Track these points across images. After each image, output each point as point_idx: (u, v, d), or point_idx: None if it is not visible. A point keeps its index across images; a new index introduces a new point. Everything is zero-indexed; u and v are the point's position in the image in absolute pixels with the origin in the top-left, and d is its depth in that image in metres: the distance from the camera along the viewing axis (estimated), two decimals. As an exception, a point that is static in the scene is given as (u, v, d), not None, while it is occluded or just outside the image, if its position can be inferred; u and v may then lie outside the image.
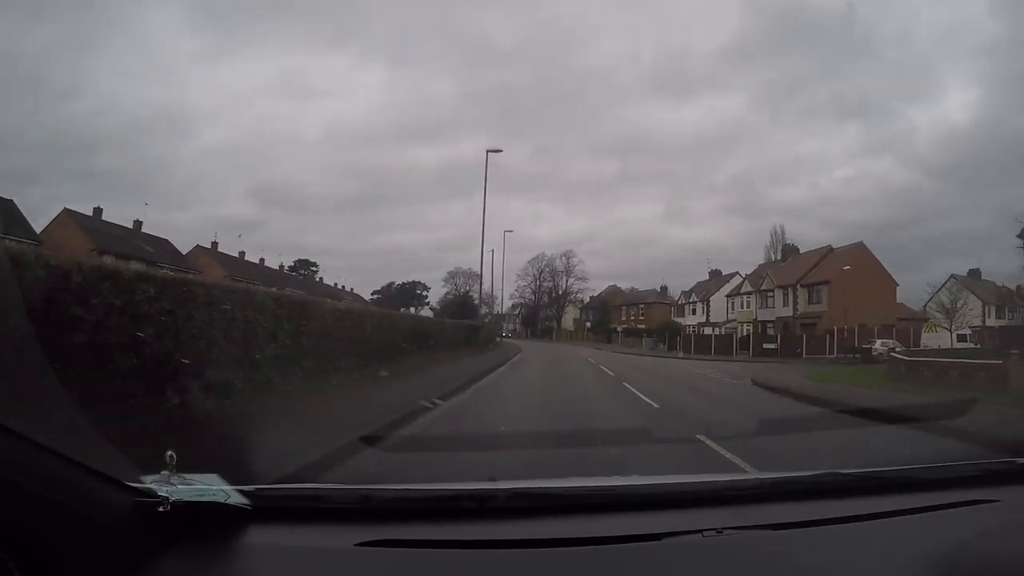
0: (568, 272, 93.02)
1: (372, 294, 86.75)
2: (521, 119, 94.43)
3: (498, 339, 52.71)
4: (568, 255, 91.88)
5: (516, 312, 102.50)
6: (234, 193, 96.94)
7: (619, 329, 75.41)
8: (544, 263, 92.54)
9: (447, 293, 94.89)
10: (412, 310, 75.76)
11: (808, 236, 57.20)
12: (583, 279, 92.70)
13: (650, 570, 1.53)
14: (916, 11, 77.49)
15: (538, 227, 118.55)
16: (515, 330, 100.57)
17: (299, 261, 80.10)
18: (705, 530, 1.62)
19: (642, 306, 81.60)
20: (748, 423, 7.95)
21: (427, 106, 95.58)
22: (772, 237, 65.99)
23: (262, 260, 58.82)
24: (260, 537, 1.52)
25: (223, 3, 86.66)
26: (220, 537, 1.48)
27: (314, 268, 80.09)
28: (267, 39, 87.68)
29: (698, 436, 6.23)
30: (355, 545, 1.50)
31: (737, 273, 65.34)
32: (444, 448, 5.71)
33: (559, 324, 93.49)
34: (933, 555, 1.56)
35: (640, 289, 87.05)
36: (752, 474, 2.18)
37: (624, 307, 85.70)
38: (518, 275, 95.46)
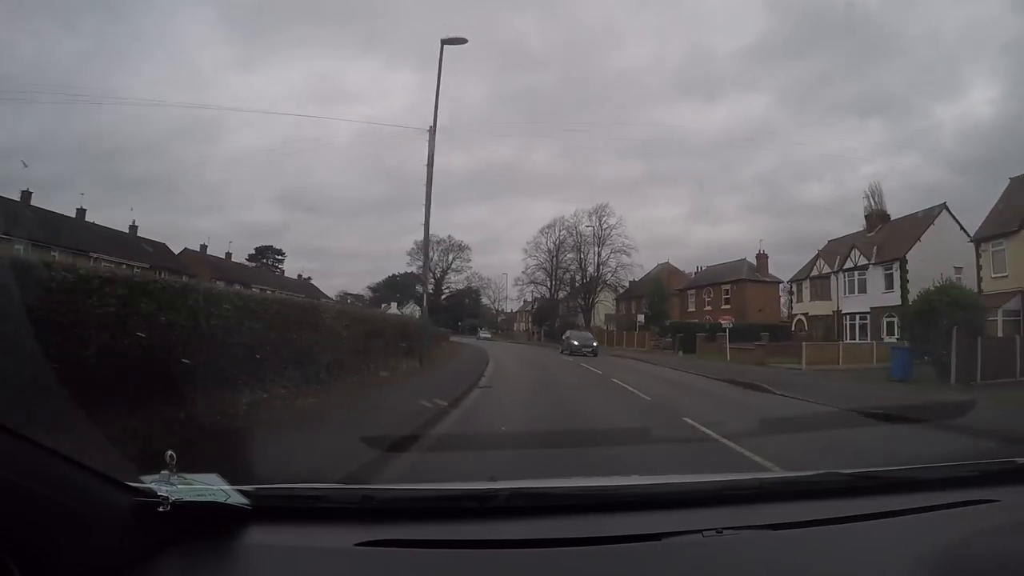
0: (601, 240, 61.48)
1: (369, 288, 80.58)
2: (547, 121, 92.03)
3: (442, 340, 32.32)
4: (601, 213, 60.59)
5: (530, 308, 77.36)
6: (260, 198, 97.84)
7: (666, 323, 47.74)
8: (563, 231, 63.72)
9: (392, 275, 76.76)
10: (394, 306, 68.38)
11: (835, 231, 47.15)
12: (624, 251, 60.43)
13: (650, 570, 1.53)
14: (939, 8, 75.63)
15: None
16: (528, 331, 76.84)
17: (261, 249, 72.06)
18: (705, 530, 1.62)
19: (728, 287, 49.01)
20: None
21: (454, 109, 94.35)
22: (869, 199, 42.46)
23: (204, 247, 54.03)
24: (260, 537, 1.52)
25: (252, 12, 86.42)
26: (220, 537, 1.48)
27: (279, 256, 74.44)
28: (296, 45, 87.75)
29: None
30: (355, 545, 1.50)
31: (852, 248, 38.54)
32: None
33: (589, 319, 62.20)
34: (933, 555, 1.56)
35: (715, 264, 54.24)
36: (752, 474, 2.18)
37: (694, 291, 54.38)
38: (526, 251, 68.46)
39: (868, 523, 1.75)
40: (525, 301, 78.82)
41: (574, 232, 64.02)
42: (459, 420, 8.95)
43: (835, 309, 39.86)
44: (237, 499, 1.54)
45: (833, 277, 40.66)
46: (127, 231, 43.71)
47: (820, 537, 1.70)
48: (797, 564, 1.59)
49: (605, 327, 61.15)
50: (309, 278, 71.92)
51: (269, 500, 1.62)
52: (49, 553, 1.18)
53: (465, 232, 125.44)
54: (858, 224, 43.04)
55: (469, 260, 79.95)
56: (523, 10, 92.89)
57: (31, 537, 1.16)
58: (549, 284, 68.73)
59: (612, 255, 62.11)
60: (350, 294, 77.15)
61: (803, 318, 43.19)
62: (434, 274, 74.28)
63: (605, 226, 61.07)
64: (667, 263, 63.23)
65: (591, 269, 64.30)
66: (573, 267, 66.03)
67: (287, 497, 1.71)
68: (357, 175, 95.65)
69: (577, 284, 66.07)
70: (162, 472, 1.52)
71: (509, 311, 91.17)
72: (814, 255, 43.63)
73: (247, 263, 61.54)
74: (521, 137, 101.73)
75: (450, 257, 79.26)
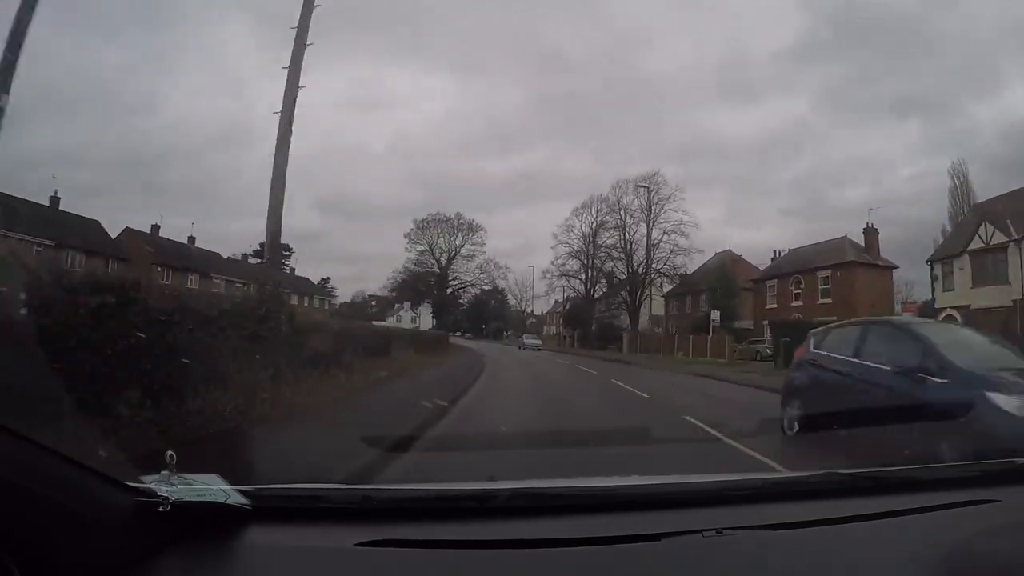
0: (653, 218, 47.50)
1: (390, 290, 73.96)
2: (583, 126, 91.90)
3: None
4: (651, 182, 47.32)
5: (561, 308, 64.73)
6: (298, 204, 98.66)
7: (753, 323, 39.01)
8: (603, 207, 50.98)
9: (404, 273, 65.20)
10: (407, 307, 65.61)
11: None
12: (681, 232, 47.13)
13: (650, 570, 1.53)
14: (976, 6, 74.20)
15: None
16: (559, 335, 65.00)
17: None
18: (705, 530, 1.62)
19: (828, 273, 36.60)
20: None
21: (491, 114, 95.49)
22: (954, 181, 37.72)
23: (192, 239, 52.49)
24: (260, 537, 1.52)
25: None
26: (220, 537, 1.48)
27: (286, 252, 68.53)
28: (335, 53, 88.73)
29: None
30: (355, 545, 1.50)
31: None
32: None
33: (636, 319, 50.00)
34: (933, 555, 1.57)
35: (804, 246, 41.43)
36: (752, 474, 2.18)
37: (775, 281, 40.85)
38: (555, 235, 55.01)
39: (868, 523, 1.75)
40: (556, 301, 65.51)
41: (617, 208, 50.66)
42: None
43: (1019, 297, 25.38)
44: (237, 499, 1.54)
45: (1014, 247, 26.11)
46: (47, 204, 38.06)
47: (820, 537, 1.70)
48: (797, 564, 1.59)
49: (653, 329, 49.10)
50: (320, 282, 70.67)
51: (269, 500, 1.62)
52: (49, 553, 1.18)
53: (499, 239, 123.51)
54: (904, 228, 37.09)
55: (483, 244, 66.94)
56: (558, 14, 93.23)
57: (31, 537, 1.16)
58: (585, 276, 55.77)
59: (665, 238, 48.47)
60: (373, 296, 73.85)
61: (954, 312, 28.27)
62: (438, 262, 65.36)
63: (656, 199, 47.39)
64: (728, 251, 49.16)
65: (639, 256, 49.40)
66: (615, 253, 52.20)
67: (287, 497, 1.71)
68: (391, 181, 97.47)
69: (620, 277, 52.67)
70: (162, 472, 1.52)
71: (539, 313, 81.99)
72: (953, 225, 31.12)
73: (207, 250, 55.79)
74: (555, 141, 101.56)
75: (458, 239, 66.33)
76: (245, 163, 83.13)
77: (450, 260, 67.66)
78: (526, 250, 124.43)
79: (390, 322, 65.08)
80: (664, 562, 1.55)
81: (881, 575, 1.57)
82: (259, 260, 62.55)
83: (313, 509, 1.67)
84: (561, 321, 66.58)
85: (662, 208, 48.63)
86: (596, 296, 56.84)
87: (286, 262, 70.43)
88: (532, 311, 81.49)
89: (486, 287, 71.21)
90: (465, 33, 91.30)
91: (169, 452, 1.56)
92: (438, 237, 67.01)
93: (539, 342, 55.79)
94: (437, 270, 67.55)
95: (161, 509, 1.40)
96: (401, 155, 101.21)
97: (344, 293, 77.26)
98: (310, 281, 67.38)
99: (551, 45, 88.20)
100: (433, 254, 67.67)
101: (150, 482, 1.47)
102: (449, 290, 68.84)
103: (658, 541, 1.58)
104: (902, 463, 2.47)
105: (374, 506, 1.72)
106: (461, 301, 75.22)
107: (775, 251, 46.40)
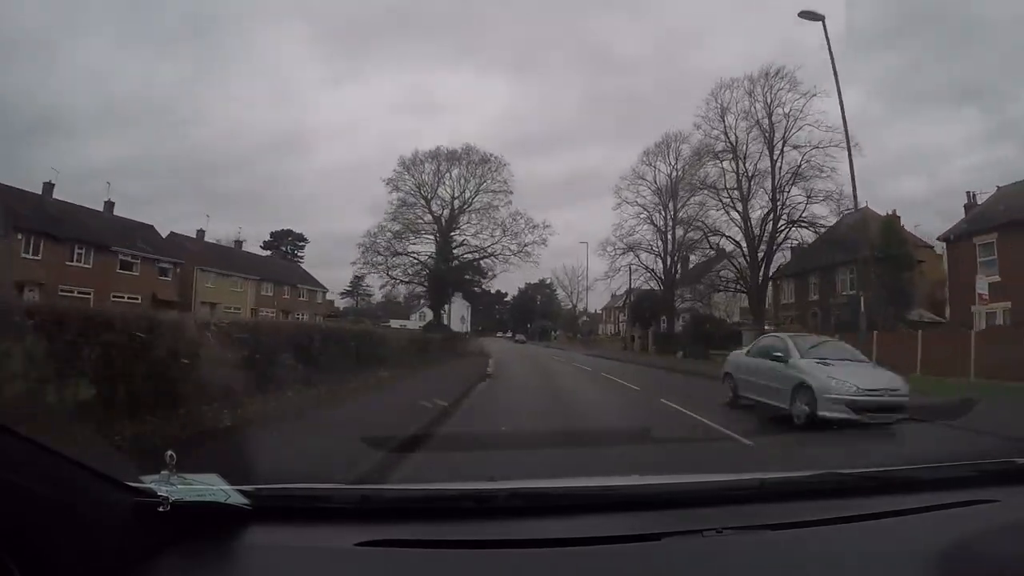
0: (786, 131, 30.63)
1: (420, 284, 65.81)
2: (637, 124, 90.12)
3: None
4: (776, 81, 30.76)
5: (623, 300, 47.46)
6: (352, 208, 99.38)
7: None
8: (699, 135, 34.34)
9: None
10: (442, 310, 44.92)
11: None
12: (820, 170, 29.66)
13: (650, 570, 1.53)
14: None
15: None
16: (624, 336, 47.64)
17: (277, 234, 64.47)
18: (705, 530, 1.62)
19: None
20: None
21: (545, 115, 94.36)
22: None
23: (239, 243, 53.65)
24: (260, 537, 1.52)
25: (346, 29, 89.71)
26: (220, 537, 1.48)
27: (300, 243, 67.29)
28: (389, 59, 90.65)
29: None
30: (355, 545, 1.50)
31: None
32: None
33: (761, 307, 32.68)
34: (933, 555, 1.57)
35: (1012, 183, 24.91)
36: (752, 474, 2.18)
37: (997, 234, 22.97)
38: (618, 193, 38.04)
39: (868, 523, 1.75)
40: (613, 295, 46.98)
41: (719, 131, 32.25)
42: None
43: None
44: (237, 499, 1.54)
45: None
46: (101, 208, 38.61)
47: (820, 537, 1.70)
48: (797, 564, 1.59)
49: (783, 324, 30.39)
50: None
51: (269, 500, 1.62)
52: (49, 553, 1.18)
53: (554, 238, 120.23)
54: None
55: (509, 193, 42.21)
56: (611, 13, 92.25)
57: (31, 537, 1.16)
58: (662, 249, 37.31)
59: (805, 166, 29.53)
60: (414, 296, 57.01)
61: None
62: (436, 218, 40.71)
63: (780, 112, 29.76)
64: (866, 206, 26.90)
65: (765, 200, 30.80)
66: (723, 198, 32.48)
67: (287, 497, 1.71)
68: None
69: (722, 242, 33.12)
70: (162, 472, 1.53)
71: (592, 311, 64.88)
72: None
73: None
74: (610, 139, 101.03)
75: (473, 180, 41.54)
76: (300, 169, 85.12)
77: (459, 211, 41.92)
78: (580, 249, 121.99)
79: (414, 320, 61.49)
80: (664, 562, 1.55)
81: (881, 575, 1.57)
82: (269, 252, 63.85)
83: (313, 509, 1.67)
84: (628, 316, 45.94)
85: (793, 123, 29.45)
86: (677, 275, 38.14)
87: (298, 252, 68.75)
88: (585, 307, 63.62)
89: (512, 259, 42.77)
90: (518, 34, 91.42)
91: (169, 452, 1.56)
92: (438, 183, 41.71)
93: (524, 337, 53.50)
94: (435, 235, 42.14)
95: (161, 509, 1.40)
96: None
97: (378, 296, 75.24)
98: (305, 272, 64.57)
99: (604, 43, 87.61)
100: (426, 202, 41.52)
101: (150, 482, 1.48)
102: (454, 262, 43.25)
103: (658, 541, 1.58)
104: (902, 463, 2.47)
105: (374, 506, 1.72)
106: (503, 294, 65.41)
107: (970, 193, 28.84)
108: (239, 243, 54.37)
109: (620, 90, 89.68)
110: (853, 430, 8.71)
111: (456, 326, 53.21)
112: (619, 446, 6.49)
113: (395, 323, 55.06)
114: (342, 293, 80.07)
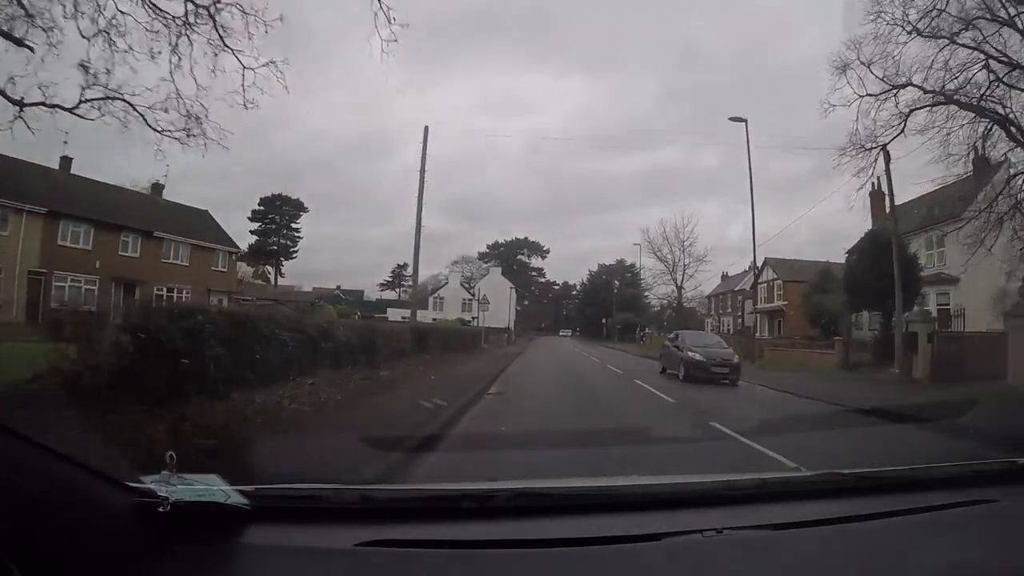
0: None
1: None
2: (715, 121, 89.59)
3: None
4: None
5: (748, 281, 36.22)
6: (429, 208, 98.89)
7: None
8: None
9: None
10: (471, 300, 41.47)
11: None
12: None
13: (650, 570, 1.53)
14: None
15: (731, 227, 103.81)
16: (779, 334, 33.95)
17: (267, 200, 64.98)
18: (705, 530, 1.62)
19: None
20: None
21: (623, 113, 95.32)
22: None
23: None
24: (260, 537, 1.52)
25: (428, 38, 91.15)
26: (220, 537, 1.48)
27: (298, 212, 68.36)
28: (470, 64, 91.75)
29: None
30: (355, 545, 1.50)
31: None
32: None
33: None
34: (933, 555, 1.57)
35: None
36: (753, 474, 2.18)
37: None
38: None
39: (868, 523, 1.75)
40: (724, 276, 37.92)
41: None
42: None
43: None
44: (237, 499, 1.54)
45: None
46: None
47: (820, 537, 1.70)
48: (797, 564, 1.59)
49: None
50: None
51: (269, 500, 1.62)
52: (49, 553, 1.18)
53: (629, 235, 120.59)
54: None
55: None
56: (690, 9, 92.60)
57: (31, 537, 1.16)
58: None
59: None
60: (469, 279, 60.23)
61: None
62: None
63: None
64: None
65: None
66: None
67: (287, 497, 1.70)
68: (520, 184, 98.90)
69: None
70: (162, 472, 1.52)
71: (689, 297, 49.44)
72: None
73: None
74: (688, 136, 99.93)
75: None
76: (381, 171, 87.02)
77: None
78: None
79: (451, 309, 56.76)
80: (664, 562, 1.55)
81: (881, 575, 1.57)
82: (260, 223, 66.54)
83: (313, 509, 1.67)
84: (761, 300, 29.70)
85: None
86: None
87: (296, 221, 70.82)
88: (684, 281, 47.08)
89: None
90: (596, 34, 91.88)
91: (169, 452, 1.56)
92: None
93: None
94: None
95: (161, 509, 1.40)
96: (531, 157, 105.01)
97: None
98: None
99: (684, 39, 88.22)
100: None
101: (150, 482, 1.47)
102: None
103: (658, 541, 1.58)
104: (902, 463, 2.48)
105: (374, 506, 1.72)
106: (572, 286, 55.13)
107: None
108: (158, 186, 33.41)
109: (696, 85, 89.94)
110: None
111: (491, 319, 42.70)
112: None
113: (393, 313, 49.57)
114: (381, 285, 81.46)
